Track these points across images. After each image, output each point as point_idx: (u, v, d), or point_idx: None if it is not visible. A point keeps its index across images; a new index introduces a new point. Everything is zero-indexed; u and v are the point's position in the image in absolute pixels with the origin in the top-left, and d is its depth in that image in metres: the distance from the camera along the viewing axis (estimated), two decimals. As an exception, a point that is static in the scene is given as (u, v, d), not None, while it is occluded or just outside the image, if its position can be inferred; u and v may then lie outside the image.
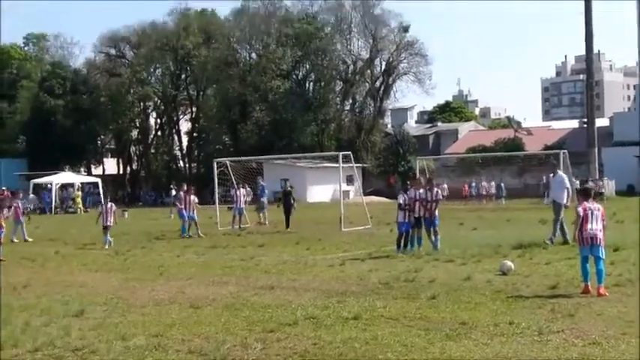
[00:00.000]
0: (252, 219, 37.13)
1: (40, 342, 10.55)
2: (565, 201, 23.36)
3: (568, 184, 23.84)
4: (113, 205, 28.26)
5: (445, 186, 62.39)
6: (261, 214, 37.33)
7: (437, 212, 22.14)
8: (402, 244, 21.78)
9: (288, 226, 32.52)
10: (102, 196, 62.79)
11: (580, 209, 14.14)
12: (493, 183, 62.57)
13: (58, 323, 12.13)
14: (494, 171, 71.13)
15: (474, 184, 64.21)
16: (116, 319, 12.49)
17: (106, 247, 26.27)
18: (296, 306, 13.20)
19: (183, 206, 31.40)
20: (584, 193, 14.92)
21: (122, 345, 10.42)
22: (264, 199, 38.58)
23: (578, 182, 56.13)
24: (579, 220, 14.07)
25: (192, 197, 31.86)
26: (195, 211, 31.57)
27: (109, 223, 27.16)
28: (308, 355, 9.64)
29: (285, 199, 34.21)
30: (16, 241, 30.60)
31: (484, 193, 61.88)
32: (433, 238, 21.90)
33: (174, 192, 58.67)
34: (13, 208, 29.82)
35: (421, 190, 22.18)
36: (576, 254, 19.45)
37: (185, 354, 9.87)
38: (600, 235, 13.99)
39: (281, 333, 10.98)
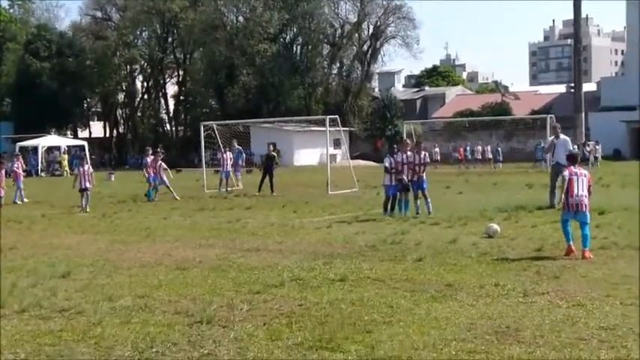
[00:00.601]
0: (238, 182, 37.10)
1: (26, 303, 10.55)
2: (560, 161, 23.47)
3: (571, 146, 23.87)
4: (90, 167, 28.00)
5: (437, 149, 62.53)
6: (235, 178, 37.18)
7: (424, 175, 22.16)
8: (388, 207, 21.85)
9: (272, 190, 32.34)
10: (86, 159, 62.77)
11: (566, 173, 14.17)
12: (489, 147, 62.16)
13: (44, 284, 12.13)
14: (482, 135, 71.20)
15: (468, 148, 63.87)
16: (102, 281, 12.50)
17: (86, 210, 26.09)
18: (282, 268, 13.24)
19: (152, 171, 31.36)
20: (571, 159, 15.00)
21: (108, 306, 10.42)
22: (241, 162, 38.75)
23: (575, 147, 56.51)
24: (565, 185, 14.10)
25: (160, 163, 31.76)
26: (165, 176, 31.54)
27: (87, 185, 26.68)
28: (294, 316, 9.67)
29: (267, 163, 33.80)
30: (19, 202, 30.79)
31: (479, 157, 61.48)
32: (424, 201, 21.93)
33: (161, 155, 58.71)
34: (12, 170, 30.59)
35: (409, 153, 22.18)
36: (561, 217, 19.67)
37: (171, 315, 9.89)
38: (586, 201, 14.07)
39: (267, 294, 11.01)
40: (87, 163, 28.54)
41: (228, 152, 36.12)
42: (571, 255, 13.63)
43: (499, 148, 61.24)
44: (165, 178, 31.48)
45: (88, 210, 25.98)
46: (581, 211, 13.99)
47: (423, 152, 22.47)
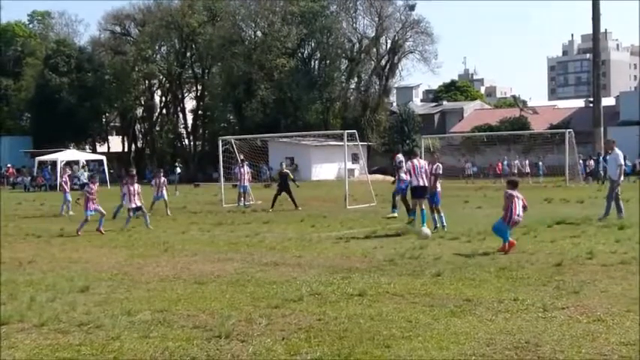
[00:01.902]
0: (257, 196, 37.11)
1: (45, 317, 10.56)
2: (619, 177, 23.58)
3: (621, 161, 23.88)
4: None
5: (469, 164, 62.12)
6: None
7: (439, 188, 22.00)
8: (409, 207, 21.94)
9: (296, 205, 32.20)
10: (107, 174, 62.89)
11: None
12: (527, 161, 60.97)
13: (63, 299, 12.15)
14: (500, 150, 71.03)
15: (506, 162, 62.63)
16: (121, 295, 12.51)
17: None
18: (301, 282, 13.22)
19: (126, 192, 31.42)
20: (511, 184, 17.44)
21: (127, 320, 10.43)
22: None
23: (592, 162, 56.27)
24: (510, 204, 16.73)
25: (163, 179, 32.28)
26: (164, 191, 31.75)
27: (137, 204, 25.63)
28: (313, 330, 9.64)
29: (282, 180, 33.65)
30: (64, 215, 31.46)
31: (515, 171, 59.57)
32: (436, 215, 21.82)
33: (178, 169, 58.94)
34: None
35: (422, 162, 22.02)
36: (581, 232, 19.60)
37: (190, 329, 9.88)
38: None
39: (286, 309, 10.99)
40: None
41: (245, 166, 36.14)
42: (512, 249, 16.20)
43: (540, 163, 59.97)
44: (164, 193, 31.82)
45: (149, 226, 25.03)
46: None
47: (437, 163, 22.29)
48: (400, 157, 22.87)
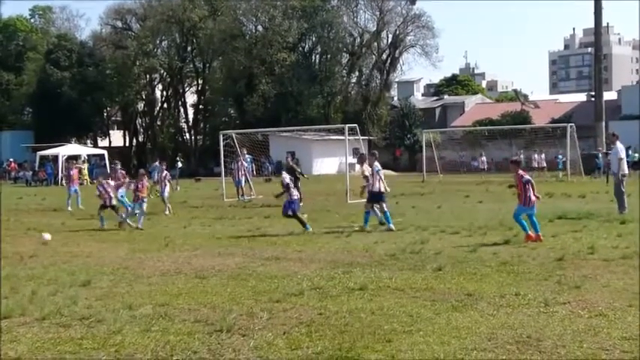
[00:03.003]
0: (258, 191, 37.11)
1: (47, 311, 10.58)
2: (619, 170, 23.53)
3: (622, 154, 23.85)
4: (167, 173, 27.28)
5: (484, 158, 61.46)
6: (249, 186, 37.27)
7: (381, 188, 21.64)
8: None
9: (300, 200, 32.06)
10: (108, 168, 62.88)
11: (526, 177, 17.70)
12: (544, 155, 59.15)
13: (64, 293, 12.18)
14: (501, 144, 70.94)
15: (542, 156, 60.38)
16: (122, 289, 12.52)
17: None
18: (302, 276, 13.23)
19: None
20: (515, 164, 18.40)
21: (128, 314, 10.45)
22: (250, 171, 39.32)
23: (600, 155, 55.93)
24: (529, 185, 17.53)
25: (165, 173, 31.34)
26: (167, 187, 30.57)
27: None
28: (314, 324, 9.65)
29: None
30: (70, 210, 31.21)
31: (535, 165, 56.61)
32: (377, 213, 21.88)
33: (180, 164, 58.96)
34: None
35: (376, 163, 21.92)
36: (583, 227, 19.59)
37: (191, 323, 9.89)
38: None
39: (287, 303, 11.00)
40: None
41: (241, 161, 36.15)
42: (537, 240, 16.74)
43: (560, 156, 58.57)
44: (166, 189, 30.38)
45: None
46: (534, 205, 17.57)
47: (375, 164, 21.96)
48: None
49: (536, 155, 57.92)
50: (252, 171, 41.86)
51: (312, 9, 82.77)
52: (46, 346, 8.98)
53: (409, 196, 35.80)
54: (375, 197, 21.47)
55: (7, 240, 20.52)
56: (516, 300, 10.80)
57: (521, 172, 17.87)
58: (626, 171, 24.19)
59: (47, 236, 19.84)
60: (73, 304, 11.17)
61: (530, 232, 17.10)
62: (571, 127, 50.50)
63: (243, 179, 35.89)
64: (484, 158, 62.70)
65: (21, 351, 8.79)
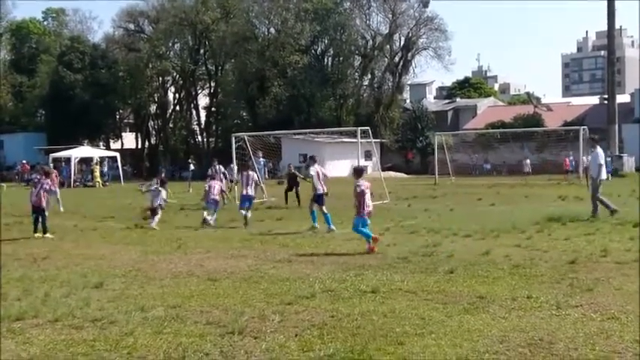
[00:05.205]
0: (270, 194, 37.11)
1: (60, 313, 10.62)
2: (598, 175, 23.60)
3: (601, 160, 23.90)
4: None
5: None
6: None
7: (320, 189, 23.34)
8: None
9: (299, 203, 32.15)
10: (120, 170, 62.89)
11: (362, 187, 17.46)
12: (586, 158, 57.39)
13: (77, 294, 12.22)
14: (513, 147, 70.81)
15: (571, 158, 59.59)
16: (135, 291, 12.55)
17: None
18: (314, 279, 13.24)
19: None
20: (357, 173, 18.53)
21: (141, 316, 10.48)
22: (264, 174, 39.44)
23: (609, 159, 55.63)
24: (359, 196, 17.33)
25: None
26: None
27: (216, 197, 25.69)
28: (326, 327, 9.65)
29: (290, 179, 33.91)
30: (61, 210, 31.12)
31: (569, 169, 56.31)
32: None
33: (192, 166, 59.02)
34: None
35: (316, 165, 23.34)
36: (596, 230, 19.54)
37: (203, 325, 9.91)
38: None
39: (299, 305, 11.01)
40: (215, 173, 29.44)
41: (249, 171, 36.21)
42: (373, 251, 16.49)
43: (608, 158, 57.25)
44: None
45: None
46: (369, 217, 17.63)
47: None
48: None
49: (583, 157, 56.14)
50: (265, 174, 41.91)
51: (325, 11, 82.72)
52: (58, 348, 9.01)
53: (421, 198, 35.80)
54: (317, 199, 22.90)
55: (21, 242, 20.63)
56: (528, 303, 10.78)
57: (359, 181, 17.69)
58: (604, 176, 24.25)
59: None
60: (86, 305, 11.21)
61: (372, 240, 16.93)
62: (584, 130, 50.25)
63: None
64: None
65: (34, 352, 8.83)
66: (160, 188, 25.59)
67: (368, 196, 17.56)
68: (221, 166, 34.68)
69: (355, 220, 17.36)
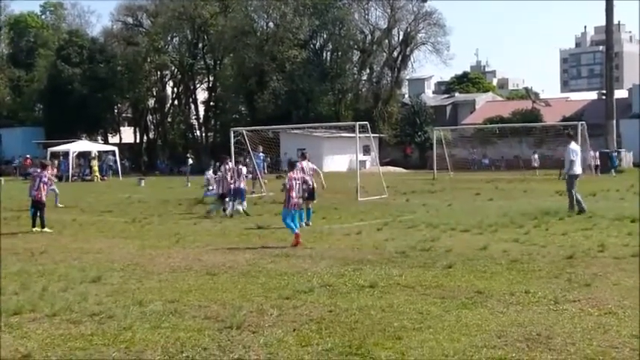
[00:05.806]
0: (270, 187, 37.13)
1: (57, 307, 10.61)
2: (569, 170, 23.63)
3: (571, 156, 23.85)
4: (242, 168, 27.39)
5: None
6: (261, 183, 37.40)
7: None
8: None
9: None
10: (119, 165, 62.84)
11: (286, 181, 17.97)
12: (591, 153, 56.39)
13: (75, 289, 12.21)
14: (512, 142, 70.84)
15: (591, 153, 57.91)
16: (133, 285, 12.55)
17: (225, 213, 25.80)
18: (312, 274, 13.24)
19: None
20: (290, 166, 19.10)
21: (139, 310, 10.47)
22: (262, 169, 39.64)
23: (597, 154, 55.63)
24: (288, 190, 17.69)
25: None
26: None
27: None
28: (324, 321, 9.65)
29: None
30: (60, 206, 30.91)
31: (592, 163, 54.21)
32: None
33: (190, 161, 59.05)
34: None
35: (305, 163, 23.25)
36: (593, 225, 19.56)
37: (201, 319, 9.91)
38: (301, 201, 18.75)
39: (297, 300, 11.01)
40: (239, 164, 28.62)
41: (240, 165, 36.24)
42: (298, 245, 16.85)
43: (614, 153, 56.47)
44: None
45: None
46: (299, 209, 18.61)
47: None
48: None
49: (592, 153, 55.21)
50: (264, 168, 41.96)
51: (324, 6, 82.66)
52: (56, 343, 9.00)
53: (420, 193, 35.82)
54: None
55: (19, 236, 20.62)
56: (526, 298, 10.80)
57: (290, 174, 18.31)
58: (578, 172, 24.14)
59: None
60: (84, 300, 11.20)
61: (295, 236, 17.33)
62: (582, 125, 50.22)
63: (250, 176, 35.90)
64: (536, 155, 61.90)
65: (31, 347, 8.81)
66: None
67: (299, 188, 18.06)
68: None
69: (282, 211, 18.25)
